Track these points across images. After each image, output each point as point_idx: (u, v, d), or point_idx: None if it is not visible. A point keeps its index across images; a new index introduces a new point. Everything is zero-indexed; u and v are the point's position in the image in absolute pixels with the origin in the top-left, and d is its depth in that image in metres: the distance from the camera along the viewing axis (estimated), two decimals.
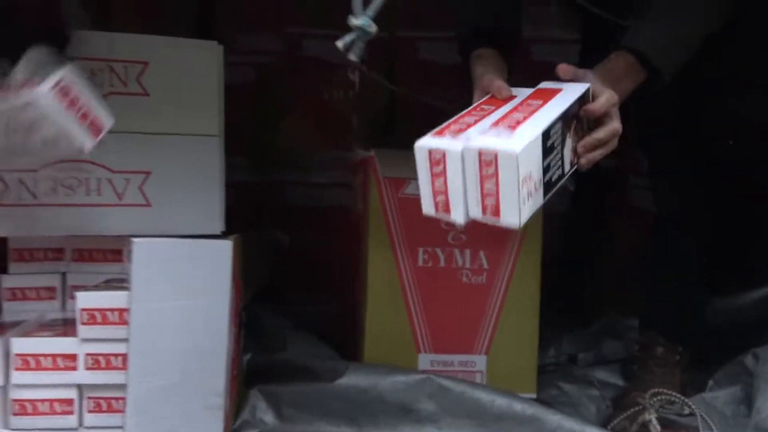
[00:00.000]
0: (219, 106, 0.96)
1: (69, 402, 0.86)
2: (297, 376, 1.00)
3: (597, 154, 0.80)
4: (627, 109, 1.00)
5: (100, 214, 0.92)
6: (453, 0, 1.05)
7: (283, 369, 1.03)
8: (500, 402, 0.91)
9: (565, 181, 0.78)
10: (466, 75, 0.94)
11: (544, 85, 0.83)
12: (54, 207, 0.91)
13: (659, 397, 0.95)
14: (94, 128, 0.80)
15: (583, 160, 0.79)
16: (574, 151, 0.79)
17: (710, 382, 1.02)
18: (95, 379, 0.86)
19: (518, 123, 0.72)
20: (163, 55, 0.94)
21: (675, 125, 1.02)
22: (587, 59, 0.88)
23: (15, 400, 0.85)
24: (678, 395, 0.96)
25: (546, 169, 0.72)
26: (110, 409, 0.87)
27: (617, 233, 1.31)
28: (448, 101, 0.97)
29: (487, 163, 0.66)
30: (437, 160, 0.69)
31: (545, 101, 0.77)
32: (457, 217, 0.70)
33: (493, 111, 0.78)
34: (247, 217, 1.03)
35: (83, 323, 0.85)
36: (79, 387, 0.87)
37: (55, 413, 0.86)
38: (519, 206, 0.67)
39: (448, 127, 0.73)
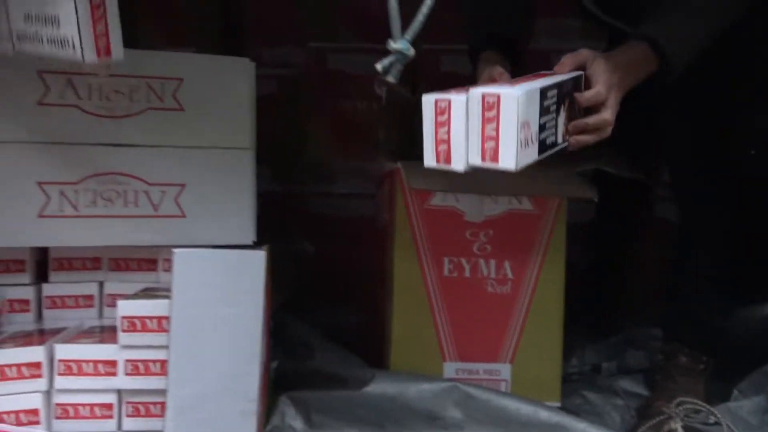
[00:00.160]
0: (251, 120, 0.99)
1: (109, 407, 0.89)
2: (325, 383, 1.02)
3: (585, 138, 0.84)
4: (650, 119, 1.02)
5: (136, 225, 0.95)
6: (465, 8, 1.08)
7: (310, 376, 1.05)
8: (526, 410, 0.93)
9: (557, 150, 0.82)
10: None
11: (542, 72, 0.89)
12: (94, 218, 0.94)
13: (684, 406, 0.95)
14: (103, 48, 0.76)
15: (572, 140, 0.84)
16: (567, 129, 0.84)
17: (735, 392, 1.03)
18: (134, 385, 0.89)
19: (518, 82, 0.79)
20: (197, 72, 0.97)
21: (699, 137, 1.03)
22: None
23: (58, 404, 0.88)
24: (703, 404, 0.96)
25: (542, 128, 0.77)
26: (148, 414, 0.89)
27: (641, 244, 1.32)
28: None
29: (490, 105, 0.71)
30: (442, 109, 0.74)
31: (541, 77, 0.84)
32: (457, 165, 0.74)
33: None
34: (272, 226, 1.05)
35: (123, 330, 0.88)
36: (119, 392, 0.90)
37: (96, 417, 0.89)
38: (517, 149, 0.72)
39: (452, 89, 0.78)
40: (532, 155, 0.76)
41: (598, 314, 1.28)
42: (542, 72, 0.88)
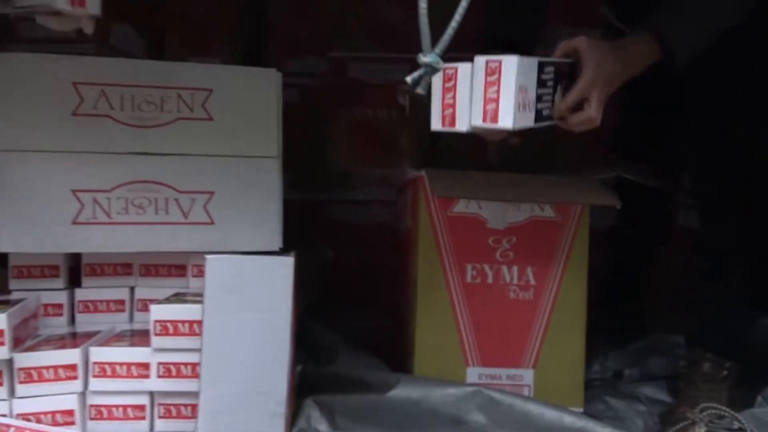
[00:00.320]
0: (278, 130, 1.01)
1: (141, 408, 0.91)
2: (349, 387, 1.03)
3: (568, 125, 0.89)
4: (672, 126, 1.03)
5: (167, 232, 0.97)
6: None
7: (335, 380, 1.06)
8: (550, 415, 0.94)
9: (552, 123, 0.90)
10: None
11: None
12: (126, 225, 0.96)
13: (708, 412, 0.96)
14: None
15: (561, 123, 0.89)
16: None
17: (759, 398, 1.02)
18: (166, 387, 0.91)
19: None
20: (226, 82, 0.99)
21: (721, 144, 1.04)
22: (634, 81, 0.92)
23: (92, 406, 0.91)
24: (727, 410, 0.97)
25: (539, 98, 0.85)
26: (179, 415, 0.91)
27: (662, 251, 1.32)
28: None
29: (492, 71, 0.79)
30: (450, 76, 0.81)
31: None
32: (461, 126, 0.82)
33: None
34: (293, 233, 1.07)
35: (156, 334, 0.90)
36: (151, 394, 0.92)
37: (129, 418, 0.91)
38: (514, 110, 0.79)
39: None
40: (528, 120, 0.83)
41: (619, 321, 1.28)
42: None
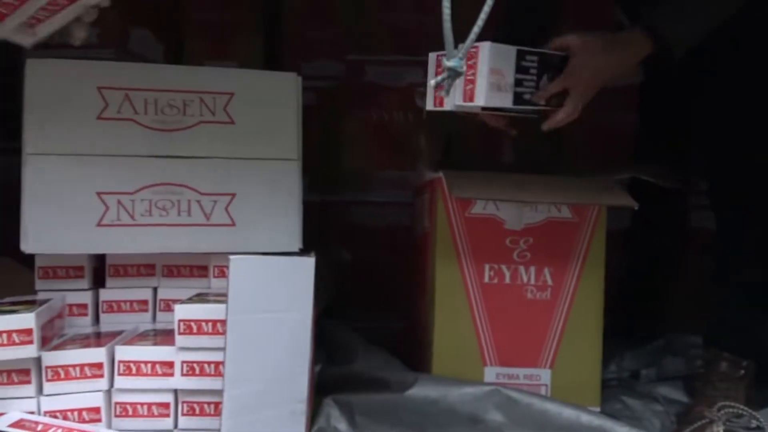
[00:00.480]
0: (297, 132, 1.03)
1: (166, 405, 0.93)
2: (368, 386, 1.04)
3: (550, 120, 0.96)
4: (688, 127, 1.03)
5: (189, 234, 0.99)
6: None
7: (354, 379, 1.07)
8: (568, 414, 0.95)
9: (537, 109, 0.97)
10: None
11: None
12: (149, 227, 0.98)
13: (726, 410, 0.96)
14: None
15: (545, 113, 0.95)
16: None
17: None
18: (190, 385, 0.93)
19: None
20: (247, 86, 1.01)
21: (737, 145, 1.04)
22: (649, 84, 0.93)
23: (117, 403, 0.93)
24: (745, 408, 0.97)
25: (518, 82, 0.92)
26: (202, 413, 0.93)
27: (678, 251, 1.33)
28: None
29: (471, 55, 0.88)
30: (440, 61, 0.87)
31: None
32: (448, 105, 0.91)
33: None
34: (311, 235, 1.09)
35: (180, 333, 0.92)
36: (175, 392, 0.94)
37: (153, 416, 0.93)
38: (486, 89, 0.88)
39: None
40: (505, 101, 0.92)
41: (636, 321, 1.29)
42: None
